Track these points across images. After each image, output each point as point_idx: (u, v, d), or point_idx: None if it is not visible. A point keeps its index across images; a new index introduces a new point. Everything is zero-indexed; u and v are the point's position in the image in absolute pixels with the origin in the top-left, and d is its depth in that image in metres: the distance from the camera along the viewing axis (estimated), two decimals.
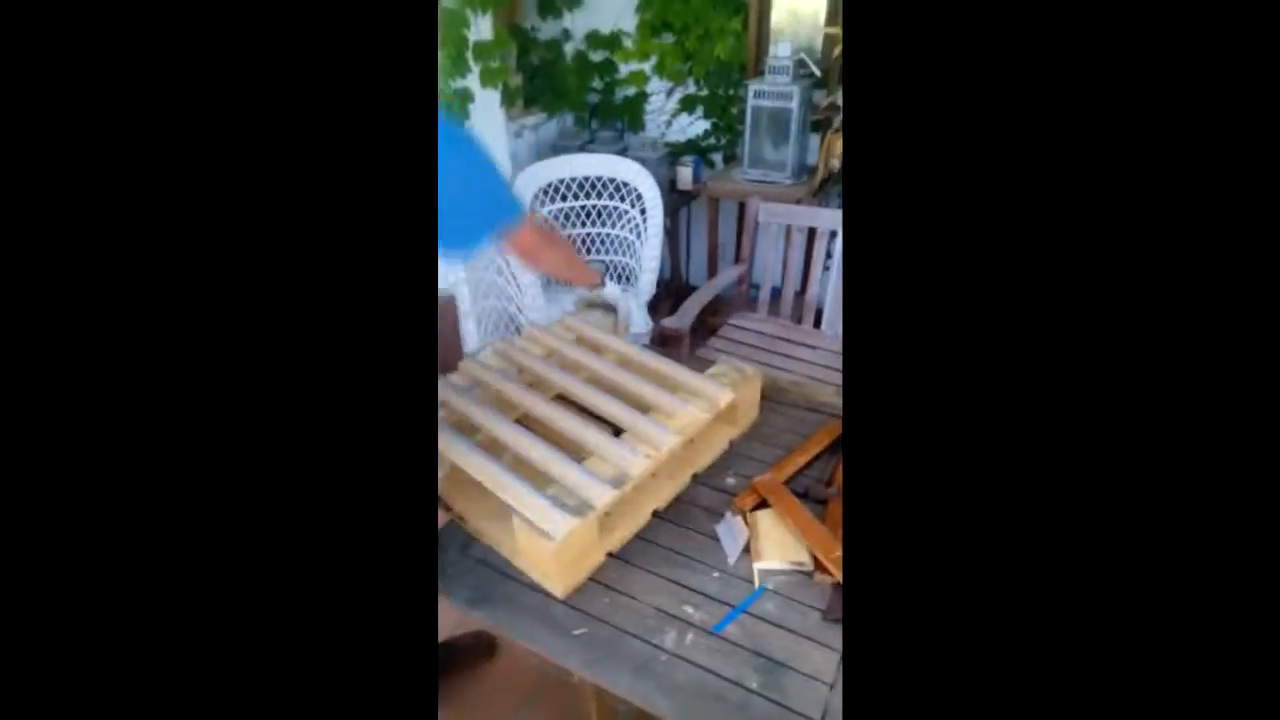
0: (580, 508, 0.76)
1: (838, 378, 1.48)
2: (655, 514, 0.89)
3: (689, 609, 0.77)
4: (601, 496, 0.77)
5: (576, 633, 0.74)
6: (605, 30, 2.36)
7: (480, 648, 1.37)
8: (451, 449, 0.85)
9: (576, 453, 0.86)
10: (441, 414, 0.94)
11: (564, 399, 0.99)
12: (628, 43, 2.38)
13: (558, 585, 0.77)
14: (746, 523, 0.86)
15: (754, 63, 2.22)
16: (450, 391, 0.97)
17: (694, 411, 0.91)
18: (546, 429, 0.91)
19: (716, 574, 0.81)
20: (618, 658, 0.71)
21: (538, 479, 0.81)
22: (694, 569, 0.82)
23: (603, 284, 1.17)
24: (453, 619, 1.49)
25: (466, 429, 0.92)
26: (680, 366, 1.02)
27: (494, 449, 0.87)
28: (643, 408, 0.93)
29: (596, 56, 2.41)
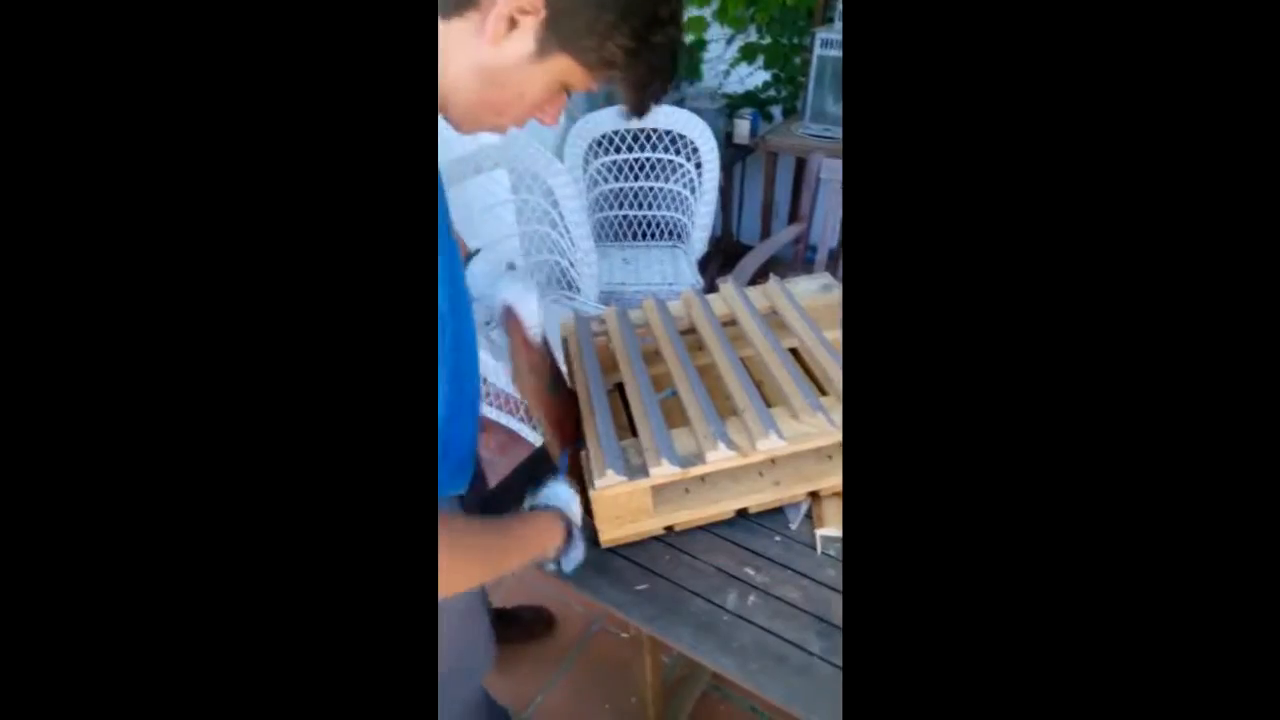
0: (635, 470, 0.74)
1: None
2: (740, 514, 0.81)
3: (750, 571, 0.76)
4: (660, 468, 0.73)
5: (639, 588, 0.75)
6: None
7: (539, 621, 1.41)
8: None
9: (675, 413, 0.80)
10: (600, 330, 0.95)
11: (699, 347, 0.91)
12: None
13: (601, 532, 0.77)
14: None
15: (822, 9, 2.10)
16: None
17: (822, 424, 0.76)
18: (672, 374, 0.85)
19: (778, 538, 0.80)
20: (679, 614, 0.72)
21: (621, 428, 0.79)
22: (755, 531, 0.81)
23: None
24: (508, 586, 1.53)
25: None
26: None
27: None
28: (771, 398, 0.81)
29: None
